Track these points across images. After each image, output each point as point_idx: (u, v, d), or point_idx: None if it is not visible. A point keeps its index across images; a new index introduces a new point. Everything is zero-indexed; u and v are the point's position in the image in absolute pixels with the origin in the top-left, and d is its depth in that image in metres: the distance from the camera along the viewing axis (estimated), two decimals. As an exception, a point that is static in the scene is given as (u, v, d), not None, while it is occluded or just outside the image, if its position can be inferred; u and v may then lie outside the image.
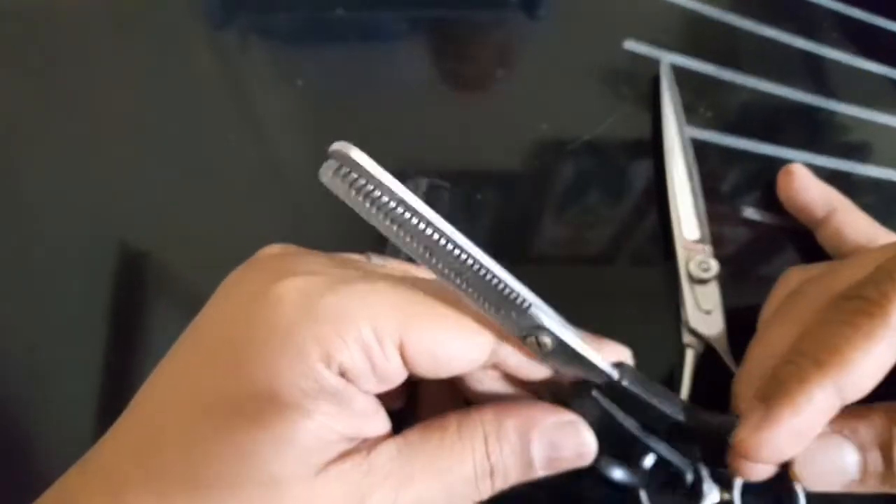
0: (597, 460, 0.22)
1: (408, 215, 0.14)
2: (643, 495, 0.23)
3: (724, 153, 0.32)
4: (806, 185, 0.29)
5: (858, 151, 0.33)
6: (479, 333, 0.16)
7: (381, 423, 0.17)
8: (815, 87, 0.34)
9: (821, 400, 0.18)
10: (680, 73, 0.33)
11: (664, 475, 0.23)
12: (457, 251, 0.15)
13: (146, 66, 0.32)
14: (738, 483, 0.23)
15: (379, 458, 0.16)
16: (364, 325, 0.15)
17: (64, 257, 0.27)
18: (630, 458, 0.22)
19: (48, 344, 0.26)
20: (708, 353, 0.26)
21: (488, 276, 0.16)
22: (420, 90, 0.32)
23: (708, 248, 0.28)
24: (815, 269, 0.24)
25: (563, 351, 0.18)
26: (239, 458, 0.14)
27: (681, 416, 0.20)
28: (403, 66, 0.33)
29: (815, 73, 0.35)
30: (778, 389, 0.19)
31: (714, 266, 0.27)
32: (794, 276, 0.24)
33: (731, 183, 0.31)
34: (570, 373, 0.19)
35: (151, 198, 0.29)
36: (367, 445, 0.16)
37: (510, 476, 0.17)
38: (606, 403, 0.20)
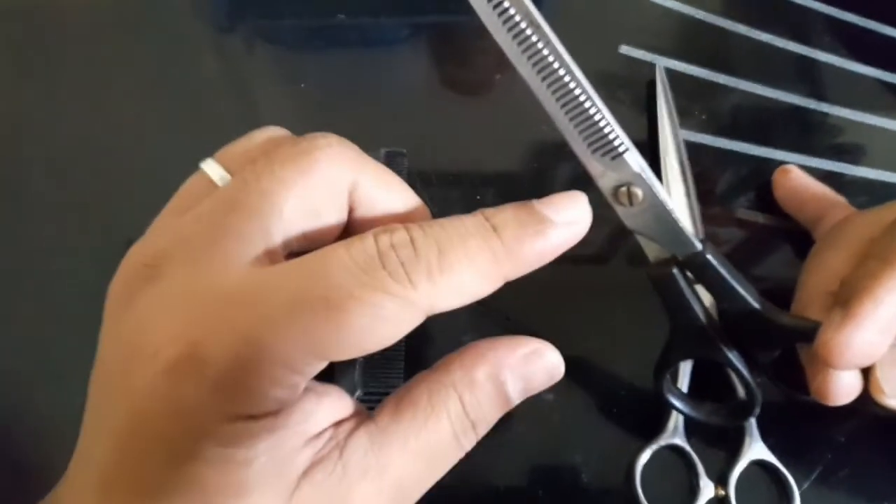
0: (658, 379, 0.22)
1: (535, 39, 0.15)
2: (640, 494, 0.23)
3: (719, 155, 0.32)
4: (802, 184, 0.30)
5: (850, 153, 0.33)
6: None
7: (336, 402, 0.16)
8: (808, 90, 0.35)
9: None
10: (674, 77, 0.34)
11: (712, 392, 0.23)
12: (569, 79, 0.16)
13: (151, 69, 0.32)
14: (733, 478, 0.23)
15: (353, 456, 0.15)
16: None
17: (65, 258, 0.27)
18: (699, 353, 0.21)
19: (49, 345, 0.26)
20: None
21: (593, 111, 0.16)
22: (421, 94, 0.33)
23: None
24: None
25: (652, 207, 0.18)
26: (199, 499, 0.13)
27: (758, 305, 0.20)
28: (404, 70, 0.34)
29: (808, 76, 0.35)
30: (853, 292, 0.19)
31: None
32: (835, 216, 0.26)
33: (726, 184, 0.32)
34: (651, 238, 0.19)
35: (155, 200, 0.29)
36: (337, 440, 0.15)
37: (490, 420, 0.17)
38: (684, 285, 0.19)
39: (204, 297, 0.14)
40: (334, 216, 0.16)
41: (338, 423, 0.15)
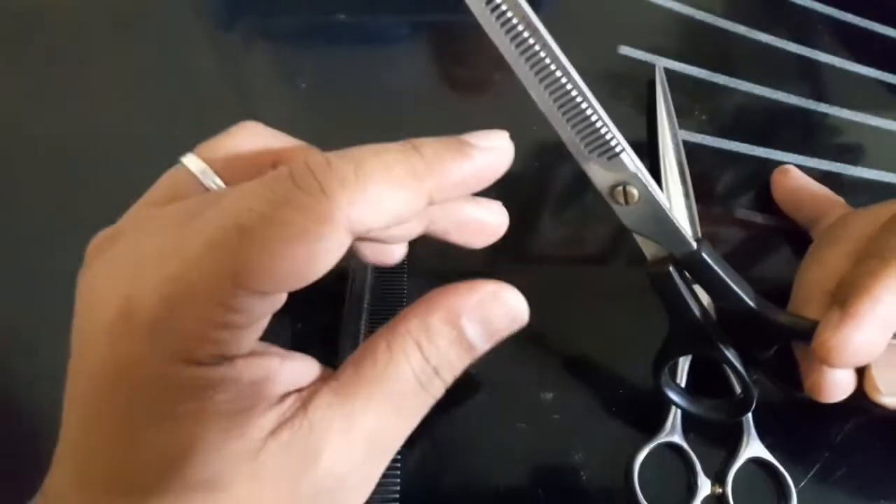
0: (656, 374, 0.22)
1: (532, 41, 0.16)
2: (638, 492, 0.23)
3: (718, 155, 0.32)
4: (800, 184, 0.30)
5: (850, 153, 0.33)
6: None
7: (301, 367, 0.16)
8: (808, 91, 0.35)
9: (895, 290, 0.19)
10: (674, 78, 0.34)
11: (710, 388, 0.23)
12: (565, 80, 0.16)
13: (150, 67, 0.32)
14: (731, 476, 0.24)
15: (317, 412, 0.15)
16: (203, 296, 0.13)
17: (65, 259, 0.27)
18: (696, 350, 0.21)
19: (48, 346, 0.26)
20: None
21: (589, 111, 0.16)
22: (420, 93, 0.33)
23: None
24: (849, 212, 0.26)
25: (648, 206, 0.18)
26: (170, 467, 0.13)
27: (753, 303, 0.20)
28: (403, 69, 0.34)
29: (808, 77, 0.36)
30: (852, 290, 0.19)
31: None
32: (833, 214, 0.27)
33: (725, 184, 0.32)
34: (649, 237, 0.19)
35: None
36: (302, 400, 0.15)
37: (456, 366, 0.16)
38: (680, 282, 0.20)
39: (142, 255, 0.14)
40: None
41: (302, 389, 0.15)
